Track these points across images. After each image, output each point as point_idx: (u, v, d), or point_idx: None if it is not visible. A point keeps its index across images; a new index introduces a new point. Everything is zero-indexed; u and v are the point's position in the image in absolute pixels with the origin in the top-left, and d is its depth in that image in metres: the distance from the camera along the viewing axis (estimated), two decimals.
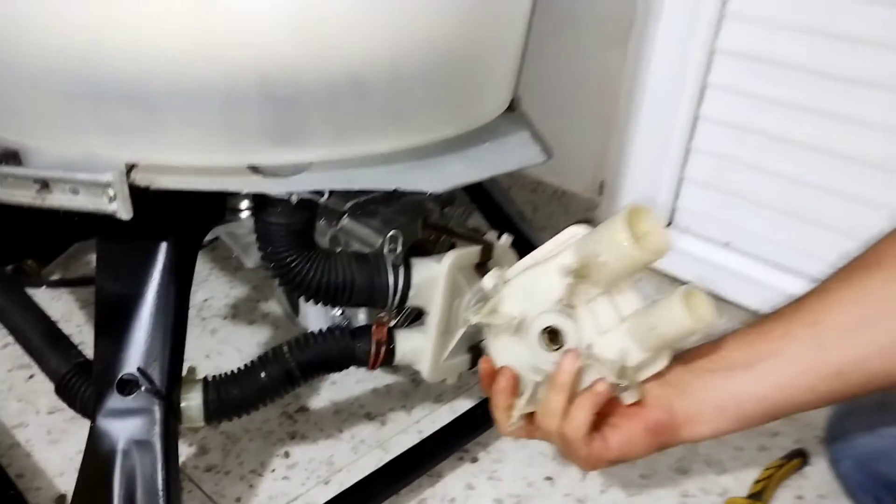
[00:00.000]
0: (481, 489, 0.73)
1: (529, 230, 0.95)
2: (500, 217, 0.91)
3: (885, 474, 0.64)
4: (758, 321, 0.53)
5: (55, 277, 1.04)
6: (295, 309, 0.82)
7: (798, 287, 1.06)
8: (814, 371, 0.49)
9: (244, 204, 0.73)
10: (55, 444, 0.76)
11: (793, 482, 0.74)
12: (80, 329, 0.93)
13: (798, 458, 0.75)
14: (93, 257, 1.09)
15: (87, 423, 0.76)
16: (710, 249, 1.12)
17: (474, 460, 0.76)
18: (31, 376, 0.85)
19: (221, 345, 0.92)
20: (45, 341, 0.69)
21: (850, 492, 0.69)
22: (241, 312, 0.99)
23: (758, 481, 0.72)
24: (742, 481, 0.74)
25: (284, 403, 0.82)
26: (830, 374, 0.49)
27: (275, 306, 1.00)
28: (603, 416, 0.54)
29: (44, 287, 1.02)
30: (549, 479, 0.75)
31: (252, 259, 0.89)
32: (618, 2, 1.04)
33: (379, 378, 0.87)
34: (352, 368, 0.69)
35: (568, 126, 0.82)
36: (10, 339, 0.89)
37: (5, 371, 0.86)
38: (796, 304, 0.52)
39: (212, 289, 1.02)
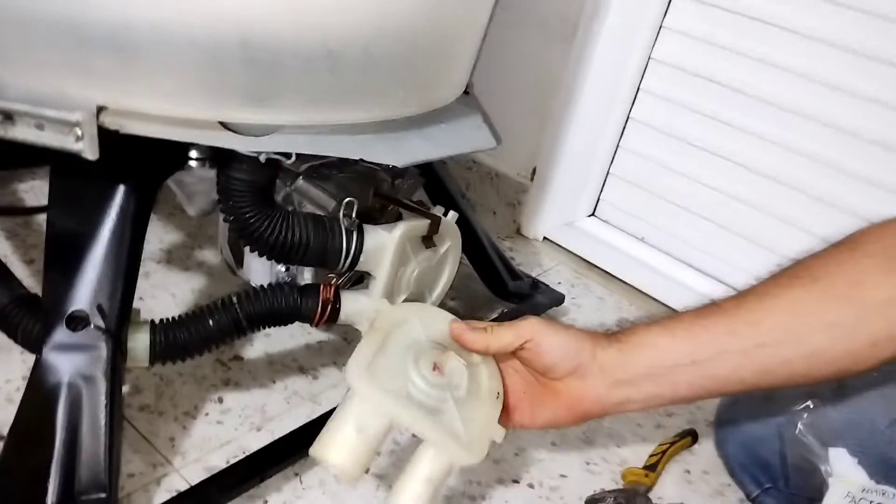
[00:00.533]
0: (405, 442, 0.78)
1: (468, 208, 1.00)
2: (443, 193, 0.95)
3: (764, 457, 0.73)
4: (695, 313, 0.58)
5: None
6: (239, 261, 0.84)
7: (704, 286, 1.16)
8: (748, 367, 0.55)
9: (194, 153, 0.74)
10: None
11: (682, 458, 0.83)
12: (7, 259, 0.91)
13: (689, 437, 0.84)
14: (19, 186, 1.07)
15: (13, 354, 0.77)
16: (627, 242, 1.20)
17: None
18: None
19: (155, 289, 0.93)
20: None
21: (732, 470, 0.78)
22: (175, 258, 1.00)
23: (652, 455, 0.81)
24: (639, 454, 0.82)
25: (219, 351, 0.84)
26: (760, 371, 0.55)
27: (209, 255, 1.01)
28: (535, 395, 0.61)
29: None
30: None
31: (194, 207, 0.90)
32: (565, 3, 1.10)
33: (312, 334, 0.90)
34: None
35: (508, 112, 0.86)
36: None
37: None
38: (737, 301, 0.57)
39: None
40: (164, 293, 0.92)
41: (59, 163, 0.66)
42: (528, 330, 0.58)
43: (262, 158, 0.64)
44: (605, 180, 1.23)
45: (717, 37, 1.04)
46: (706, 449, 0.85)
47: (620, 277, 1.15)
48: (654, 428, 0.87)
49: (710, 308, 0.58)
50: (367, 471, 0.56)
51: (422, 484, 0.55)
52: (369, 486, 0.73)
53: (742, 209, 1.09)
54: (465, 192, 1.21)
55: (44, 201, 1.03)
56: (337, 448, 0.54)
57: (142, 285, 0.92)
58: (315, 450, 0.54)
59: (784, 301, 0.56)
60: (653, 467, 0.79)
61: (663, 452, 0.81)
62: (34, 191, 1.05)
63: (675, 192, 1.15)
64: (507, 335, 0.59)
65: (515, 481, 0.76)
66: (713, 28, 1.05)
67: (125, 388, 0.77)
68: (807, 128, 1.00)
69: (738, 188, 1.08)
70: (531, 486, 0.76)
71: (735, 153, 1.08)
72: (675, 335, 0.57)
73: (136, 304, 0.67)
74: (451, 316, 0.64)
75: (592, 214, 1.26)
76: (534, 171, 1.22)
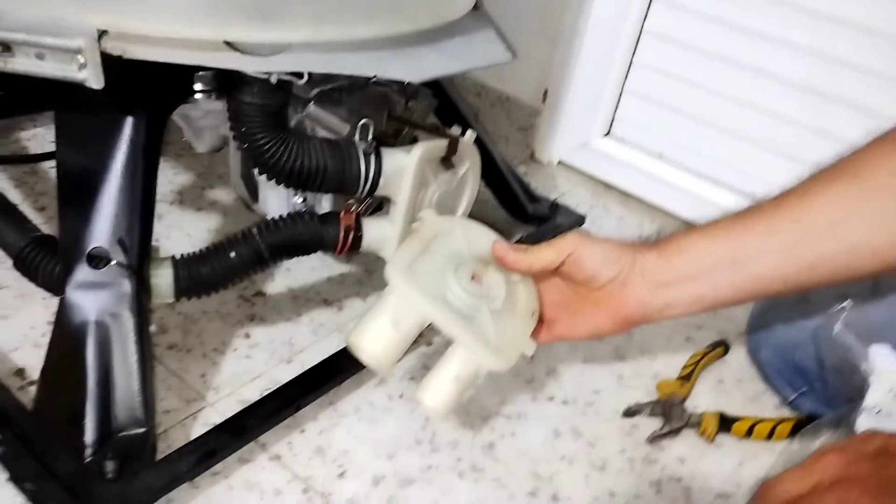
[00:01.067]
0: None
1: (483, 131, 0.98)
2: (456, 115, 0.93)
3: (799, 362, 0.72)
4: (734, 216, 0.57)
5: None
6: (253, 195, 0.82)
7: (727, 200, 1.14)
8: (790, 265, 0.54)
9: (200, 85, 0.71)
10: (6, 319, 0.75)
11: (715, 368, 0.82)
12: (18, 207, 0.89)
13: (720, 347, 0.83)
14: (21, 134, 1.05)
15: (35, 300, 0.77)
16: (644, 159, 1.18)
17: (429, 343, 0.80)
18: None
19: (169, 230, 0.91)
20: None
21: (766, 377, 0.78)
22: (186, 199, 0.98)
23: (685, 366, 0.80)
24: (671, 367, 0.81)
25: (241, 287, 0.83)
26: (804, 269, 0.54)
27: (221, 194, 1.00)
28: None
29: None
30: None
31: (203, 144, 0.88)
32: None
33: (334, 267, 0.89)
34: (304, 257, 0.71)
35: (516, 32, 0.83)
36: None
37: None
38: (777, 201, 0.56)
39: None
40: (180, 233, 0.91)
41: (64, 98, 0.64)
42: (568, 244, 0.58)
43: (273, 79, 0.61)
44: (620, 98, 1.19)
45: None
46: (738, 358, 0.84)
47: (639, 196, 1.13)
48: (685, 341, 0.86)
49: (750, 210, 0.57)
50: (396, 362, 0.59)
51: (449, 382, 0.57)
52: (404, 409, 0.72)
53: (763, 119, 1.06)
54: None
55: (48, 148, 1.01)
56: (371, 338, 0.57)
57: (156, 227, 0.89)
58: (351, 337, 0.57)
59: (824, 197, 0.54)
60: (686, 378, 0.78)
61: (696, 363, 0.80)
62: (37, 138, 1.03)
63: (692, 106, 1.12)
64: (548, 253, 0.59)
65: (550, 398, 0.76)
66: None
67: (152, 328, 0.76)
68: (830, 29, 0.96)
69: (757, 97, 1.05)
70: (566, 402, 0.76)
71: (754, 60, 1.04)
72: (714, 237, 0.56)
73: (154, 244, 0.66)
74: (495, 234, 0.65)
75: (608, 134, 1.23)
76: (545, 93, 1.18)
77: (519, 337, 0.60)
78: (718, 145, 1.11)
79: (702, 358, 0.81)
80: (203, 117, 0.83)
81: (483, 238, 0.64)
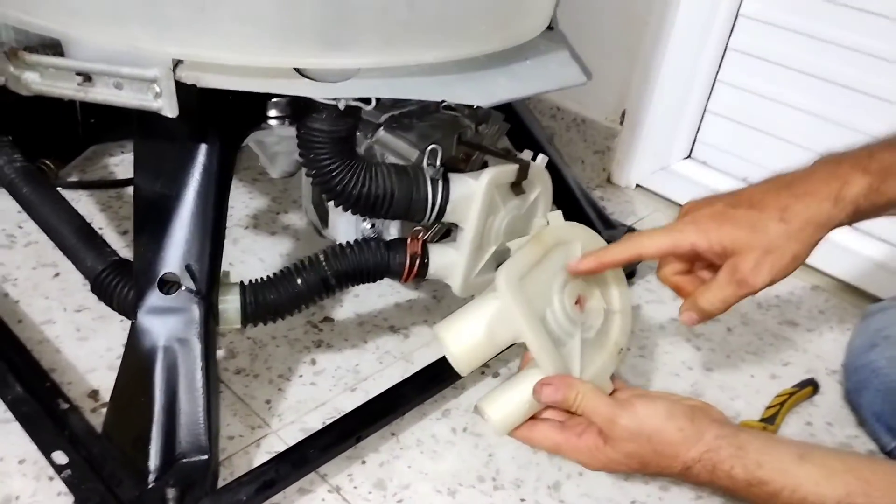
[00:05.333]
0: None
1: (557, 155, 0.95)
2: (529, 139, 0.91)
3: None
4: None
5: (72, 179, 1.03)
6: (324, 221, 0.82)
7: None
8: None
9: (273, 112, 0.72)
10: (84, 341, 0.77)
11: (803, 409, 0.77)
12: (101, 231, 0.92)
13: (809, 387, 0.77)
14: (109, 160, 1.09)
15: (114, 323, 0.78)
16: (728, 183, 1.12)
17: (496, 375, 0.78)
18: (56, 274, 0.85)
19: (244, 254, 0.93)
20: (79, 239, 0.69)
21: (863, 421, 0.72)
22: (261, 223, 0.99)
23: (769, 407, 0.75)
24: (754, 406, 0.76)
25: (309, 313, 0.83)
26: None
27: (294, 218, 1.00)
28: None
29: (60, 189, 1.01)
30: None
31: (277, 169, 0.89)
32: None
33: (401, 293, 0.88)
34: (374, 283, 0.70)
35: (593, 52, 0.80)
36: (34, 237, 0.90)
37: (30, 269, 0.86)
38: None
39: (231, 198, 1.01)
40: (253, 258, 0.92)
41: (142, 126, 0.65)
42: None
43: (341, 105, 0.61)
44: (702, 118, 1.14)
45: None
46: (829, 399, 0.78)
47: None
48: (769, 378, 0.81)
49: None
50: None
51: (518, 403, 0.57)
52: (467, 443, 0.70)
53: (857, 139, 0.98)
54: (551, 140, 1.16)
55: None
56: (460, 338, 0.57)
57: (230, 251, 0.92)
58: (440, 331, 0.58)
59: None
60: (771, 420, 0.73)
61: (781, 404, 0.75)
62: (124, 164, 1.07)
63: (779, 126, 1.06)
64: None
65: None
66: None
67: (221, 352, 0.77)
68: None
69: (850, 116, 0.99)
70: None
71: (846, 77, 0.98)
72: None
73: (225, 269, 0.66)
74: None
75: (689, 157, 1.18)
76: (623, 114, 1.15)
77: (600, 373, 0.59)
78: None
79: (788, 397, 0.75)
80: (277, 143, 0.84)
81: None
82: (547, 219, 0.64)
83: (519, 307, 0.56)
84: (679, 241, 0.57)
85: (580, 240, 0.63)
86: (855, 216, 0.55)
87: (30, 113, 0.81)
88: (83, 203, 0.99)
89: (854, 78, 0.97)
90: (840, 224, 0.55)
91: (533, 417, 0.58)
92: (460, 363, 0.57)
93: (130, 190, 1.02)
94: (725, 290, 0.56)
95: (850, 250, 0.98)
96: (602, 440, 0.54)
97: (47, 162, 1.01)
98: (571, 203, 0.94)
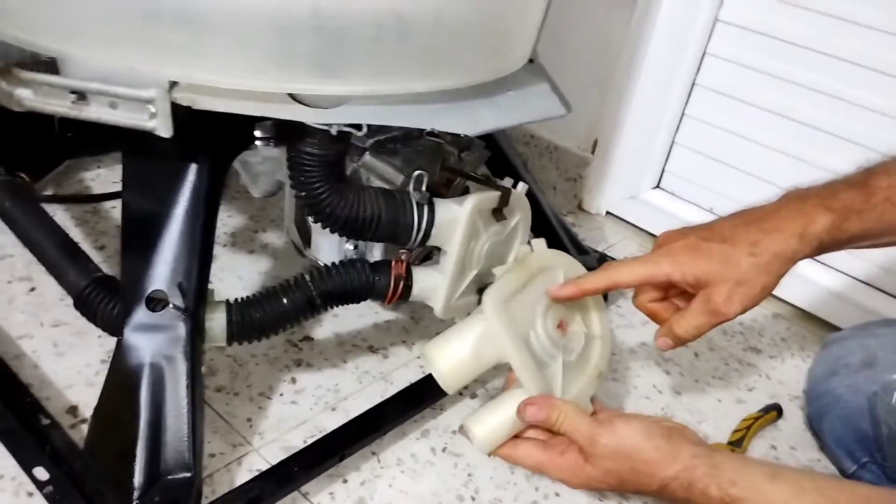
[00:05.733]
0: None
1: (533, 181, 0.98)
2: (507, 166, 0.93)
3: (863, 430, 0.69)
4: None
5: (47, 193, 1.02)
6: (306, 240, 0.83)
7: None
8: None
9: (259, 132, 0.73)
10: (62, 356, 0.77)
11: (767, 433, 0.80)
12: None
13: (774, 412, 0.81)
14: (85, 174, 1.08)
15: (91, 338, 0.78)
16: (695, 213, 1.16)
17: (473, 396, 0.80)
18: (32, 289, 0.85)
19: (222, 272, 0.93)
20: (62, 254, 0.69)
21: (824, 446, 0.75)
22: (239, 241, 1.00)
23: (736, 430, 0.78)
24: (721, 430, 0.79)
25: (289, 332, 0.84)
26: None
27: (273, 237, 1.01)
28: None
29: None
30: None
31: (259, 188, 0.90)
32: None
33: (380, 313, 0.89)
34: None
35: (567, 83, 0.83)
36: (8, 250, 0.89)
37: (5, 282, 0.85)
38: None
39: None
40: (231, 276, 0.93)
41: (132, 145, 0.66)
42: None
43: (334, 131, 0.63)
44: (671, 150, 1.19)
45: None
46: (791, 424, 0.81)
47: None
48: (735, 403, 0.84)
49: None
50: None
51: (502, 421, 0.59)
52: (447, 463, 0.72)
53: (817, 175, 1.03)
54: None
55: (110, 189, 1.04)
56: (447, 358, 0.59)
57: None
58: (428, 350, 0.60)
59: None
60: (738, 443, 0.76)
61: (748, 428, 0.78)
62: (100, 178, 1.06)
63: (744, 160, 1.11)
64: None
65: None
66: None
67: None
68: (885, 85, 0.94)
69: (811, 153, 1.04)
70: None
71: (809, 116, 1.03)
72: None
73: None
74: None
75: (657, 186, 1.22)
76: (595, 143, 1.18)
77: (580, 395, 0.61)
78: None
79: (754, 422, 0.79)
80: (261, 163, 0.85)
81: None
82: (531, 246, 0.66)
83: (504, 329, 0.58)
84: (655, 272, 0.60)
85: (563, 267, 0.65)
86: (819, 250, 0.59)
87: (6, 126, 0.81)
88: (58, 217, 0.97)
89: (815, 117, 1.02)
90: (805, 257, 0.59)
91: (515, 436, 0.59)
92: (447, 381, 0.59)
93: (107, 205, 1.02)
94: (699, 318, 0.59)
95: (809, 280, 1.02)
96: (583, 458, 0.56)
97: (22, 175, 1.01)
98: (547, 229, 0.96)
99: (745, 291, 0.58)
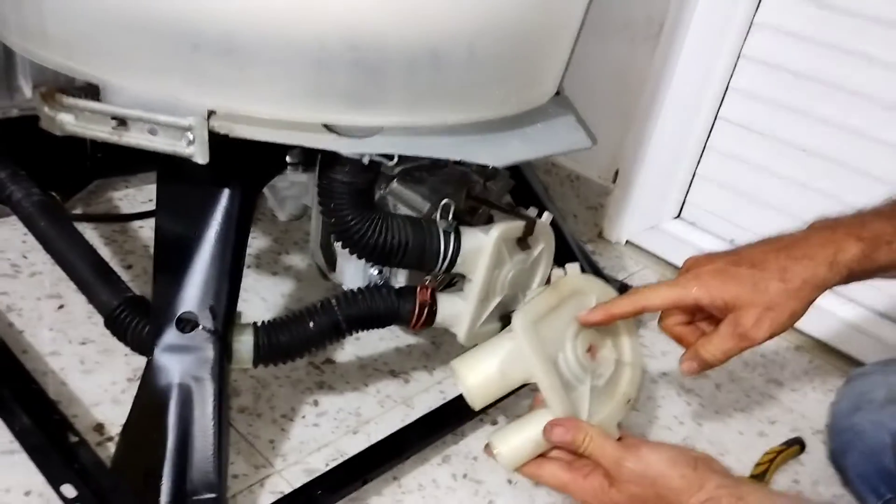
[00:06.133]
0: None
1: (556, 210, 0.99)
2: (530, 195, 0.94)
3: (888, 468, 0.69)
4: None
5: (77, 212, 1.04)
6: (331, 264, 0.85)
7: None
8: None
9: (289, 158, 0.75)
10: (89, 374, 0.78)
11: (790, 467, 0.80)
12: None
13: (797, 446, 0.80)
14: (114, 194, 1.10)
15: (118, 357, 0.79)
16: (715, 244, 1.17)
17: (494, 423, 0.80)
18: (60, 306, 0.86)
19: (246, 293, 0.94)
20: (93, 273, 0.71)
21: (848, 481, 0.75)
22: (263, 263, 1.01)
23: (759, 464, 0.78)
24: (743, 462, 0.79)
25: (312, 354, 0.84)
26: None
27: (296, 259, 1.02)
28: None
29: None
30: None
31: (286, 212, 0.91)
32: (651, 4, 1.07)
33: (401, 337, 0.90)
34: None
35: (590, 114, 0.85)
36: (38, 267, 0.91)
37: (34, 299, 0.87)
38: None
39: None
40: (255, 297, 0.94)
41: (167, 169, 0.68)
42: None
43: (365, 160, 0.64)
44: (692, 182, 1.19)
45: (810, 31, 1.01)
46: (814, 458, 0.81)
47: None
48: (758, 436, 0.84)
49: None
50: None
51: (527, 441, 0.59)
52: (467, 489, 0.72)
53: (837, 209, 1.04)
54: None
55: (138, 209, 1.06)
56: (475, 375, 0.60)
57: None
58: (456, 365, 0.61)
59: None
60: (760, 477, 0.76)
61: (771, 461, 0.77)
62: (128, 198, 1.08)
63: (765, 193, 1.11)
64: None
65: None
66: (806, 22, 1.01)
67: None
68: None
69: (832, 187, 1.04)
70: None
71: (830, 151, 1.03)
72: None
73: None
74: None
75: (678, 216, 1.23)
76: (616, 173, 1.19)
77: (607, 420, 0.62)
78: None
79: (777, 455, 0.78)
80: (288, 188, 0.86)
81: None
82: (565, 270, 0.67)
83: (532, 348, 0.59)
84: (683, 296, 0.61)
85: (594, 292, 0.66)
86: (848, 279, 0.59)
87: (39, 146, 0.83)
88: (87, 236, 0.99)
89: (837, 151, 1.02)
90: (834, 285, 0.59)
91: (540, 456, 0.59)
92: (473, 397, 0.60)
93: (135, 224, 1.03)
94: (727, 342, 0.59)
95: (830, 313, 1.02)
96: (608, 482, 0.56)
97: (52, 194, 1.03)
98: (568, 256, 0.97)
99: (775, 317, 0.58)
